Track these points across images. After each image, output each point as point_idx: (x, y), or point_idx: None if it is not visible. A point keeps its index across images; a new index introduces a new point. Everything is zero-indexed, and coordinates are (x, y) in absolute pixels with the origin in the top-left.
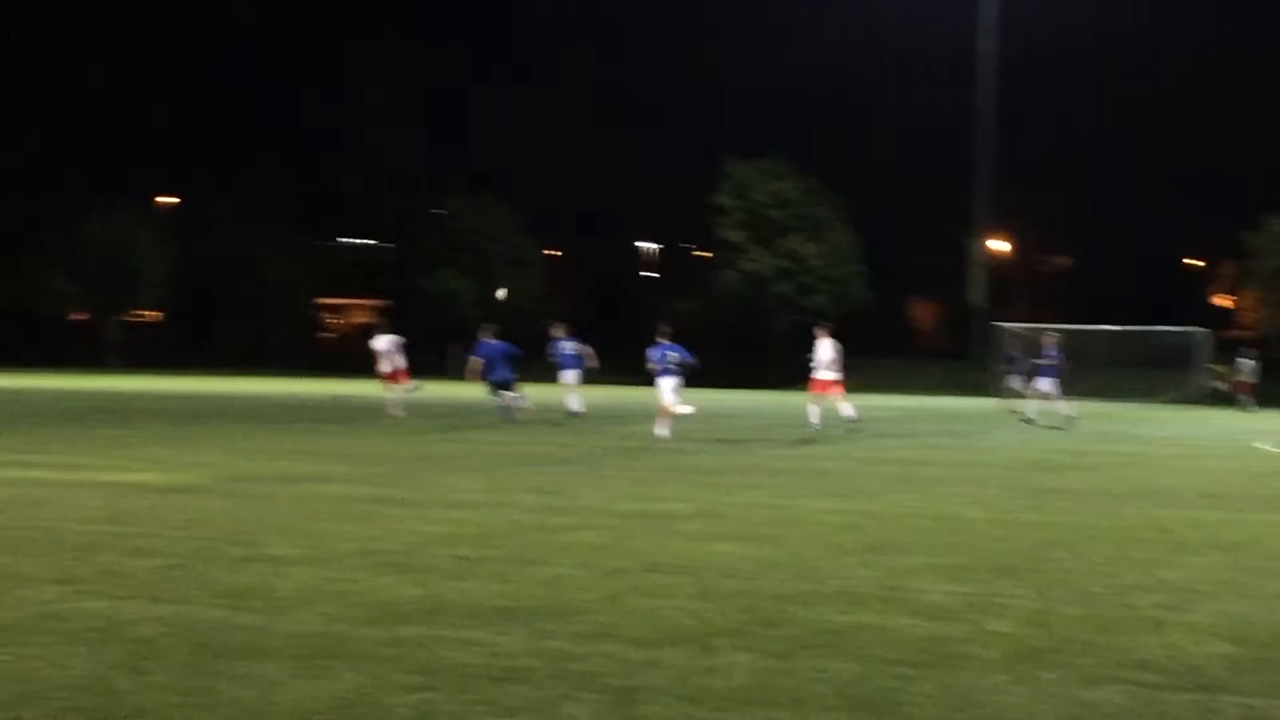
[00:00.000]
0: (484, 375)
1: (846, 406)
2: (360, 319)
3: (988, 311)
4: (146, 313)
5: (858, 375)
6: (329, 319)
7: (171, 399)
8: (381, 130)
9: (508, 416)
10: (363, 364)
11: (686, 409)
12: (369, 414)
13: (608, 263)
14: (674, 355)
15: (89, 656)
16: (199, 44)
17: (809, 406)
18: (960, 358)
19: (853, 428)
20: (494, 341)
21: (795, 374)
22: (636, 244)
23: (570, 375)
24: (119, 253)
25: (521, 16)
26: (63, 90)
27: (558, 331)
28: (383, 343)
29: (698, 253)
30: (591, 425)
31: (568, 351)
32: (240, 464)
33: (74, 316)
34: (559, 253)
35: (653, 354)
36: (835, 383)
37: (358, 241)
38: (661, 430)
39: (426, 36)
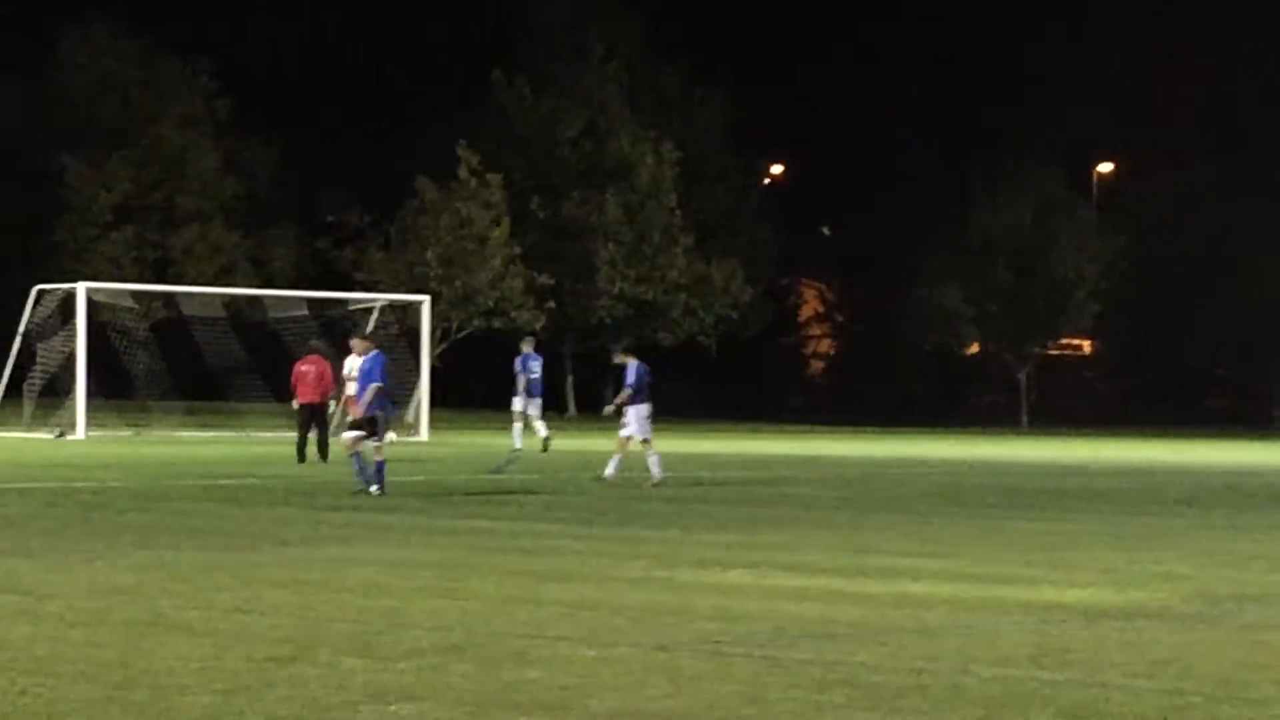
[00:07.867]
0: None
1: None
2: None
3: None
4: (1075, 341)
5: None
6: None
7: (1121, 473)
8: None
9: None
10: None
11: None
12: None
13: None
14: None
15: None
16: None
17: None
18: None
19: None
20: None
21: None
22: None
23: None
24: (1039, 246)
25: None
26: None
27: None
28: None
29: None
30: None
31: None
32: (1226, 576)
33: (968, 350)
34: None
35: None
36: None
37: None
38: None
39: None
